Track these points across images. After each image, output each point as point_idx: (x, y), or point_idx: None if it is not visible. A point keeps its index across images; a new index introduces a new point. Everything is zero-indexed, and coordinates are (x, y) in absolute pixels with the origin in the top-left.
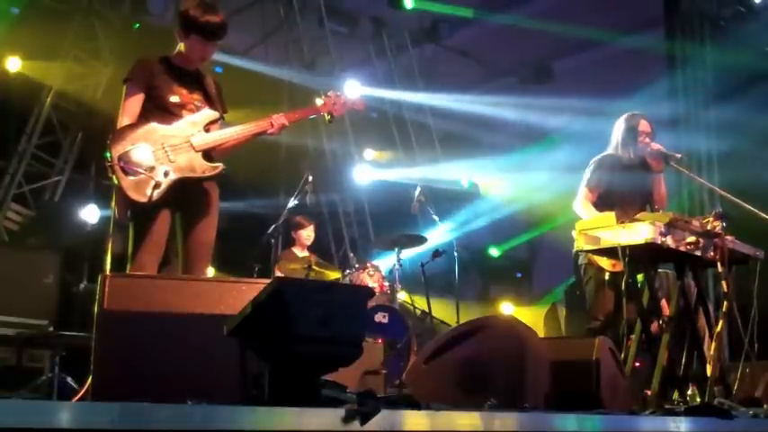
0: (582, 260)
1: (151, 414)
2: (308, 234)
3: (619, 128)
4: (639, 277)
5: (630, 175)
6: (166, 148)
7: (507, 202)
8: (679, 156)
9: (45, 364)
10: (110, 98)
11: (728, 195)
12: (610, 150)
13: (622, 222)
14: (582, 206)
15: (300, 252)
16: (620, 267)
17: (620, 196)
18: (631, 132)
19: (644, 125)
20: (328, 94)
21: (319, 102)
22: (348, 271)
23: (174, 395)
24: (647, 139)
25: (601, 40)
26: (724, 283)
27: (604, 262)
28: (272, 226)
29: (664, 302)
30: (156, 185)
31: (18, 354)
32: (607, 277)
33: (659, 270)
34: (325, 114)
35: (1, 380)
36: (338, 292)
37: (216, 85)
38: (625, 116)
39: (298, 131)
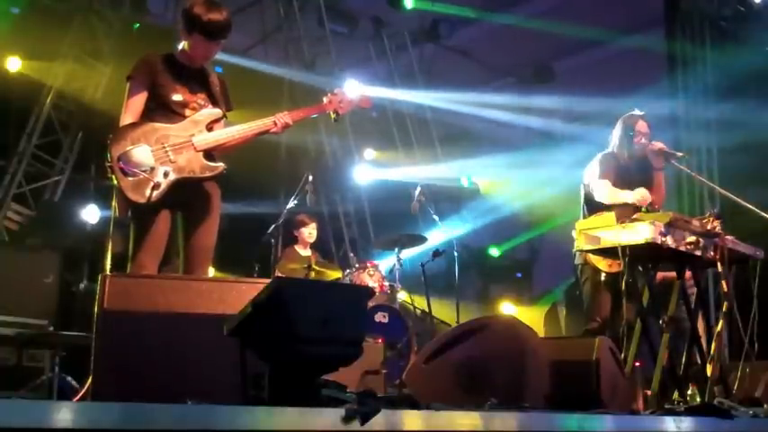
0: (578, 260)
1: (151, 414)
2: (309, 232)
3: (617, 128)
4: None
5: (627, 175)
6: (167, 147)
7: (507, 201)
8: (680, 154)
9: (45, 364)
10: (110, 98)
11: (728, 194)
12: (609, 150)
13: (622, 222)
14: (609, 195)
15: (303, 251)
16: (616, 268)
17: None
18: (628, 132)
19: (641, 125)
20: (334, 92)
21: (325, 100)
22: (348, 271)
23: (174, 395)
24: (644, 140)
25: (601, 40)
26: (724, 283)
27: (601, 263)
28: (272, 226)
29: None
30: (156, 186)
31: (18, 354)
32: (603, 278)
33: None
34: (331, 113)
35: (1, 380)
36: (338, 292)
37: (221, 83)
38: (625, 116)
39: (298, 131)
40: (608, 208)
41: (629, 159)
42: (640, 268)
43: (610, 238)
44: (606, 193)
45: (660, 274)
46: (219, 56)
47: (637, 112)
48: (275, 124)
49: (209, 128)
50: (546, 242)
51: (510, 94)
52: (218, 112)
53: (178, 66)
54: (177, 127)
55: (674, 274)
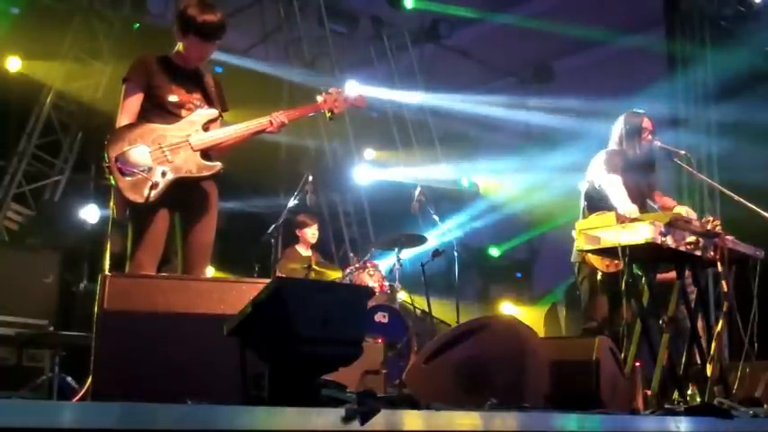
0: (575, 258)
1: (151, 414)
2: (312, 232)
3: (621, 125)
4: None
5: (633, 171)
6: (164, 147)
7: (507, 202)
8: (683, 153)
9: (45, 364)
10: (110, 98)
11: (729, 193)
12: (613, 147)
13: (621, 221)
14: (617, 194)
15: (304, 251)
16: (613, 268)
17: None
18: (635, 129)
19: (647, 122)
20: (329, 91)
21: (320, 99)
22: (348, 271)
23: (174, 395)
24: (650, 137)
25: (601, 40)
26: (724, 283)
27: (598, 262)
28: (272, 226)
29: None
30: (154, 186)
31: (18, 354)
32: (600, 277)
33: None
34: (326, 111)
35: (1, 380)
36: (338, 292)
37: (216, 84)
38: (627, 113)
39: (297, 131)
40: (608, 207)
41: (639, 155)
42: (638, 272)
43: (610, 238)
44: (615, 190)
45: (659, 275)
46: (220, 56)
47: (638, 109)
48: (271, 123)
49: (206, 128)
50: (546, 242)
51: (510, 95)
52: (214, 112)
53: (173, 67)
54: (174, 127)
55: (673, 274)
